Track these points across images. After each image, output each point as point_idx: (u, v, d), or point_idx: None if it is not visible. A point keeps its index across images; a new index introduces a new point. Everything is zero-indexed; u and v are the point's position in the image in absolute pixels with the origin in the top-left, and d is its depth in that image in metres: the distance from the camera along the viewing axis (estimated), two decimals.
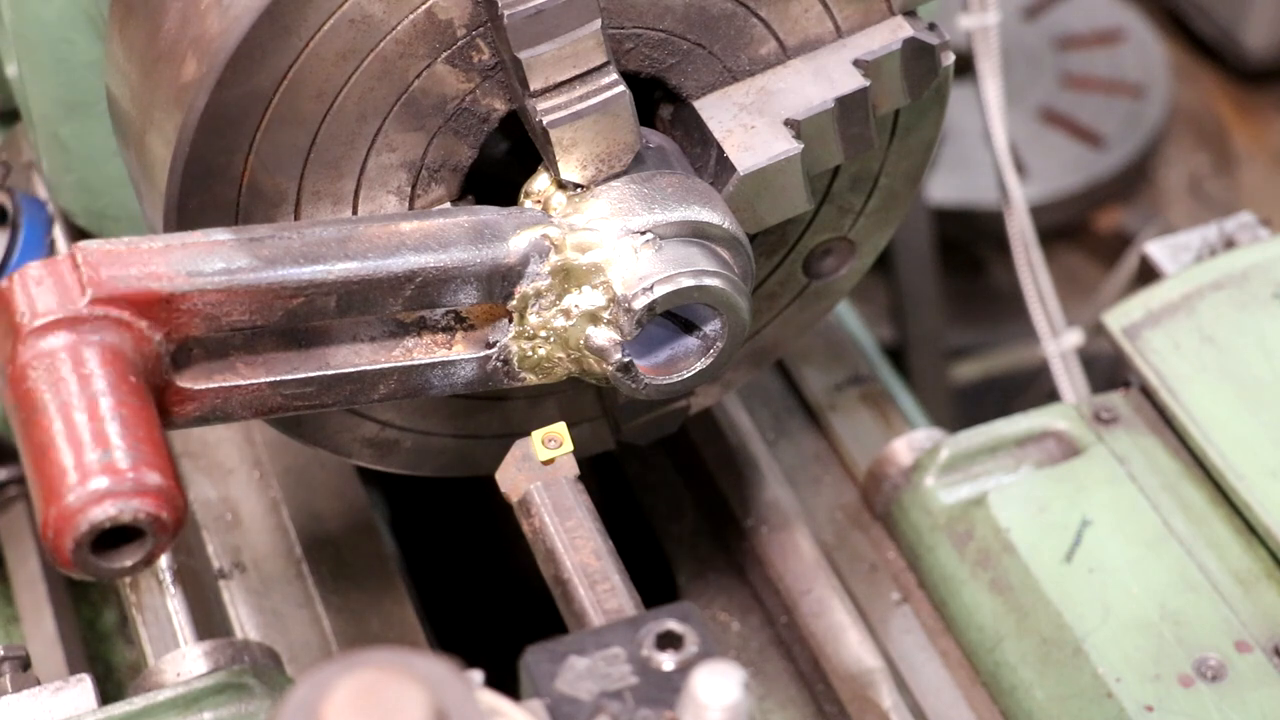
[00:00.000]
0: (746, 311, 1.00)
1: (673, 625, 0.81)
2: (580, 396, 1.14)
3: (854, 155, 1.05)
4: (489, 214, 0.98)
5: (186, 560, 1.18)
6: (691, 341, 1.02)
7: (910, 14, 1.04)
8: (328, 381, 0.97)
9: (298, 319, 0.93)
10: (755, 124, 1.02)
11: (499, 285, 0.97)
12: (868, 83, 1.02)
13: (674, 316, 1.01)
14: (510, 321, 0.99)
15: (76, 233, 1.29)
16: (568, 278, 0.98)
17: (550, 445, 0.98)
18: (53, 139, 1.24)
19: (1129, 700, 1.06)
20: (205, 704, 1.03)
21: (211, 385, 0.93)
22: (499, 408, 1.13)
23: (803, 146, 1.02)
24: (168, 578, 1.15)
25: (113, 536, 0.82)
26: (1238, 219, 1.31)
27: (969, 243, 2.75)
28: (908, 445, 1.23)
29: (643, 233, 0.98)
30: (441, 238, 0.95)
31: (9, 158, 1.37)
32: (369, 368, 0.97)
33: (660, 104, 1.06)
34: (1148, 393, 1.21)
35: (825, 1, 1.03)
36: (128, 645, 1.34)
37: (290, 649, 1.21)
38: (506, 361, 1.00)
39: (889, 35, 1.03)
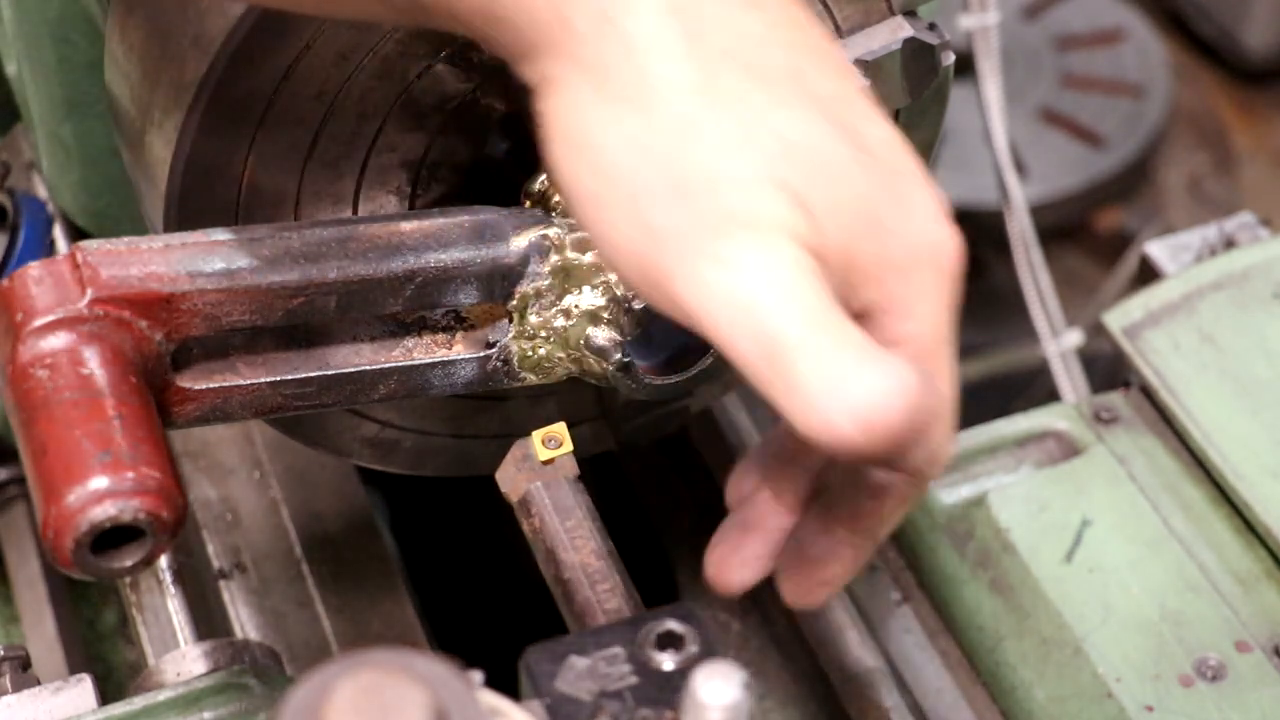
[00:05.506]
0: None
1: (673, 625, 0.81)
2: (580, 396, 1.14)
3: None
4: (489, 214, 0.98)
5: (186, 560, 1.18)
6: (691, 341, 1.02)
7: (910, 14, 1.04)
8: (328, 381, 0.97)
9: (298, 319, 0.93)
10: None
11: (499, 285, 0.97)
12: (868, 82, 1.02)
13: None
14: (510, 321, 0.99)
15: (76, 233, 1.28)
16: (568, 278, 0.98)
17: (550, 445, 0.97)
18: (53, 139, 1.24)
19: (1129, 700, 1.06)
20: (205, 704, 1.03)
21: (211, 385, 0.93)
22: (499, 408, 1.13)
23: None
24: (168, 578, 1.15)
25: (113, 536, 0.82)
26: (1238, 219, 1.30)
27: (969, 243, 2.73)
28: None
29: None
30: (441, 238, 0.95)
31: (9, 158, 1.36)
32: (369, 368, 0.97)
33: None
34: (1148, 393, 1.21)
35: (825, 1, 1.03)
36: (128, 645, 1.34)
37: (290, 649, 1.21)
38: (506, 361, 1.00)
39: (889, 35, 1.03)
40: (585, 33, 0.75)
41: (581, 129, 0.77)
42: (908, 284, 0.79)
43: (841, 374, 0.73)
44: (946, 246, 0.80)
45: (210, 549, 1.27)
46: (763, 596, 1.31)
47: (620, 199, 0.75)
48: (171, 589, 1.15)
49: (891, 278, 0.78)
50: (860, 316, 0.78)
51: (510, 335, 0.99)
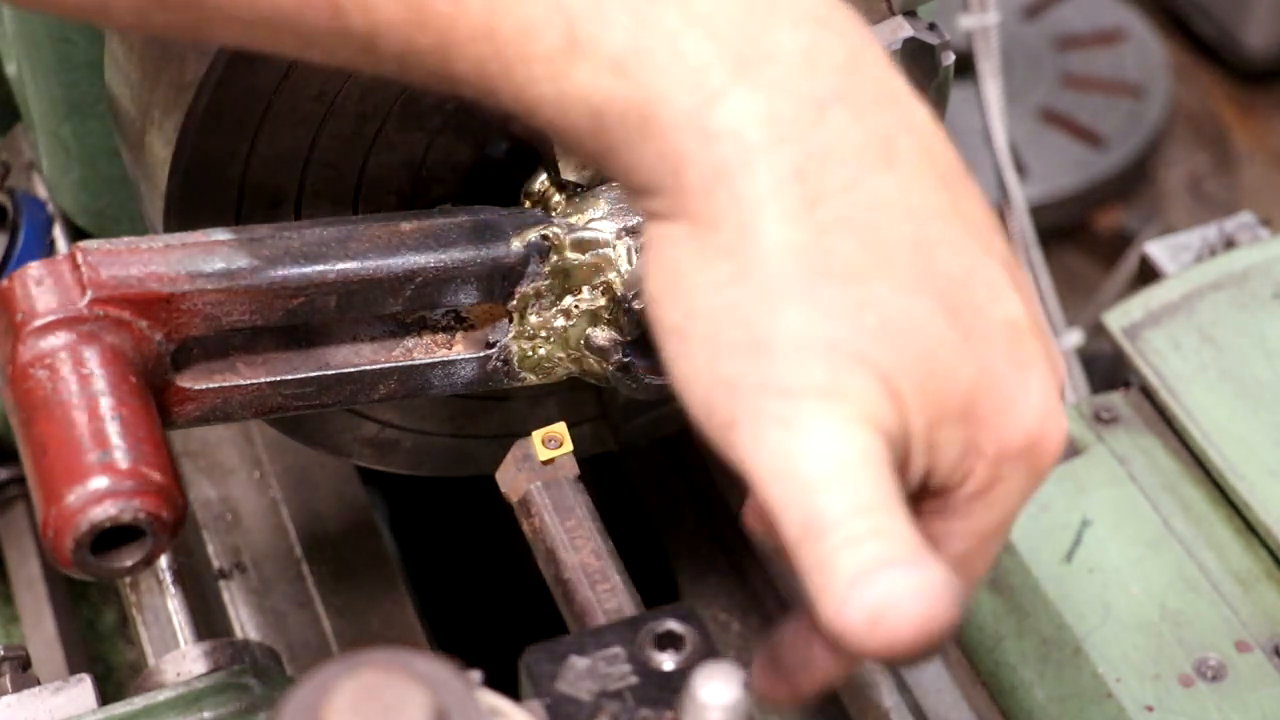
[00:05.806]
0: None
1: (673, 625, 0.81)
2: (580, 396, 1.14)
3: None
4: (489, 214, 0.98)
5: (186, 560, 1.18)
6: None
7: (910, 14, 1.04)
8: (328, 381, 0.97)
9: (298, 319, 0.93)
10: None
11: (499, 285, 0.97)
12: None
13: None
14: (510, 321, 0.99)
15: (76, 233, 1.28)
16: (567, 278, 0.98)
17: (550, 445, 0.97)
18: (53, 139, 1.24)
19: (1129, 700, 1.06)
20: (205, 704, 1.03)
21: (211, 385, 0.93)
22: (499, 408, 1.13)
23: None
24: (168, 578, 1.15)
25: (113, 536, 0.82)
26: (1238, 219, 1.31)
27: None
28: None
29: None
30: (441, 238, 0.95)
31: (9, 158, 1.36)
32: (369, 368, 0.97)
33: None
34: (1148, 393, 1.21)
35: None
36: (128, 645, 1.34)
37: (290, 649, 1.21)
38: (506, 361, 1.00)
39: (889, 35, 1.03)
40: (696, 188, 0.73)
41: (676, 266, 0.75)
42: (992, 474, 0.75)
43: (871, 565, 0.69)
44: (1046, 439, 0.76)
45: (210, 549, 1.27)
46: (763, 597, 1.31)
47: (700, 339, 0.74)
48: (171, 589, 1.15)
49: (978, 467, 0.75)
50: (939, 491, 0.76)
51: (510, 335, 0.99)
